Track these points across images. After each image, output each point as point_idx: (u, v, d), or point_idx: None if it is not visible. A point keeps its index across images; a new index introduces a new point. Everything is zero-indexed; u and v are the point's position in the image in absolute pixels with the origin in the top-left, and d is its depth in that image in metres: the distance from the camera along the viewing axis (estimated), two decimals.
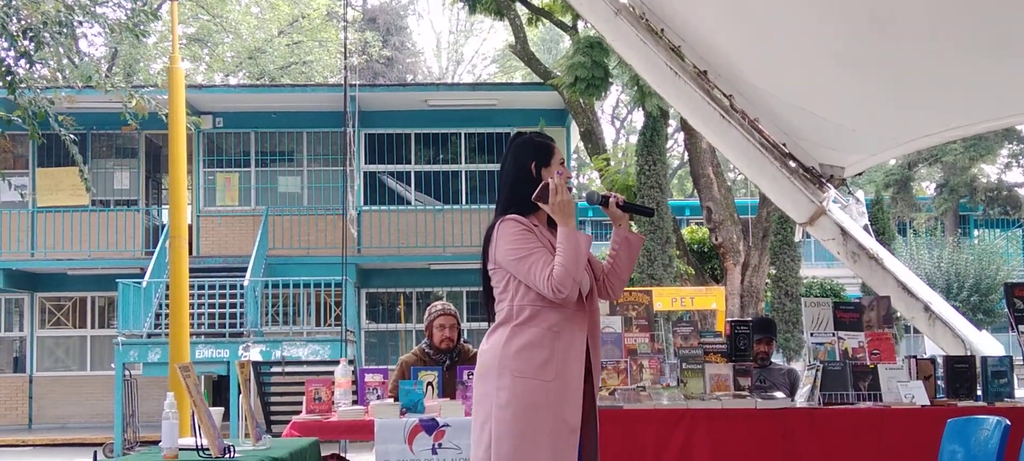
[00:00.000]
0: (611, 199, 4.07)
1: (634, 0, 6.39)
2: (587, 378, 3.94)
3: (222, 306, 19.53)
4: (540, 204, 3.91)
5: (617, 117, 46.01)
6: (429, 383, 5.95)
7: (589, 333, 3.95)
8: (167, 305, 15.69)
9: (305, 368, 18.32)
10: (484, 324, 24.74)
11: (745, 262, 18.30)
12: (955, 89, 5.64)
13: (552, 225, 3.96)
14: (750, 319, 10.23)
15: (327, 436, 5.68)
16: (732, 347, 5.85)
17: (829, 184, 6.73)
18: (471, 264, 22.19)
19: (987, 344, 6.60)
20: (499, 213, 4.00)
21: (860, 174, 7.11)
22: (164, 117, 13.87)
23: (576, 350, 3.88)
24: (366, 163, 22.95)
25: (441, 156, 23.34)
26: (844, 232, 6.71)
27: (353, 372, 6.13)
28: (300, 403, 6.22)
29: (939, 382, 5.73)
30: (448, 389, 6.17)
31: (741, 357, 5.83)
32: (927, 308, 6.74)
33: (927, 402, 5.48)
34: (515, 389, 3.79)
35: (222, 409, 4.99)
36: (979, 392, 5.65)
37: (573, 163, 30.58)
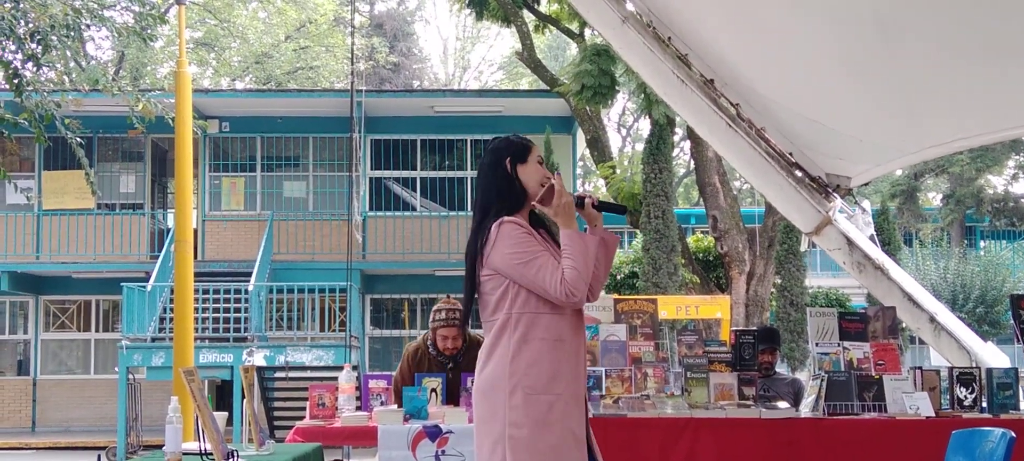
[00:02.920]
0: (586, 200, 3.97)
1: (641, 8, 6.38)
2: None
3: (226, 311, 19.54)
4: (541, 207, 3.85)
5: (623, 125, 46.03)
6: (433, 389, 5.94)
7: (582, 332, 3.91)
8: (172, 309, 15.71)
9: (309, 373, 18.31)
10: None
11: (750, 271, 18.27)
12: (962, 100, 5.63)
13: (535, 226, 3.89)
14: (755, 329, 10.22)
15: (331, 442, 5.68)
16: (737, 356, 5.84)
17: (835, 194, 6.72)
18: None
19: (992, 355, 6.58)
20: (478, 217, 3.90)
21: (866, 184, 7.10)
22: (170, 121, 13.89)
23: (580, 358, 3.82)
24: (372, 169, 22.96)
25: (447, 162, 23.35)
26: (850, 242, 6.70)
27: (357, 378, 6.11)
28: (304, 408, 6.22)
29: (944, 394, 5.72)
30: (452, 395, 6.15)
31: (746, 367, 5.82)
32: (933, 319, 6.72)
33: (932, 413, 5.46)
34: (528, 406, 3.69)
35: (226, 414, 4.99)
36: (984, 404, 5.64)
37: (579, 170, 30.59)
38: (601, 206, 4.03)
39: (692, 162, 20.01)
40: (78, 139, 12.03)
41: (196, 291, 16.64)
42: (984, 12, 4.71)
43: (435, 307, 6.52)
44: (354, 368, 6.74)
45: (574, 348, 3.80)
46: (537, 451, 3.67)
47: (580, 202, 3.96)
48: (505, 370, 3.75)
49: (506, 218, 3.80)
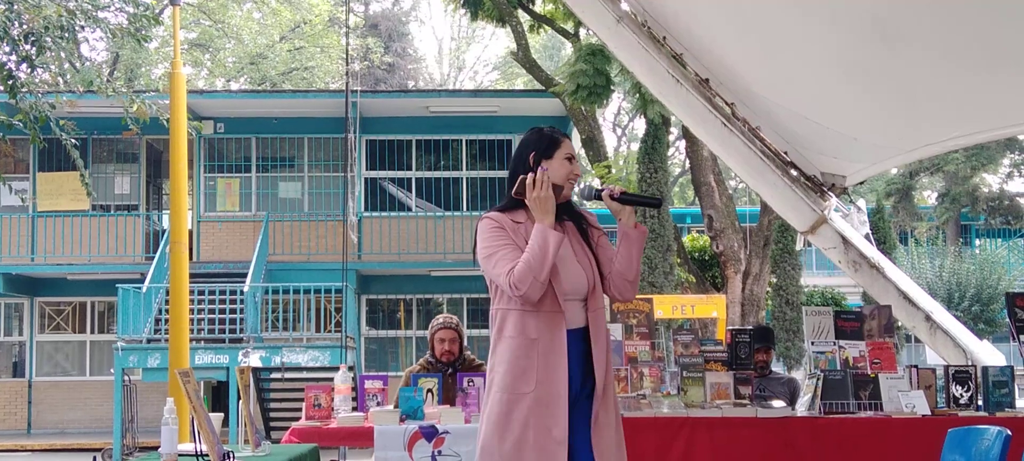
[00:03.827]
0: (605, 191, 3.83)
1: (636, 7, 6.38)
2: (590, 382, 3.76)
3: (222, 312, 19.52)
4: (522, 199, 3.77)
5: (619, 124, 46.03)
6: (429, 390, 5.94)
7: (592, 334, 3.77)
8: (167, 310, 15.68)
9: (305, 374, 18.30)
10: (485, 331, 24.60)
11: (746, 270, 18.28)
12: (957, 99, 5.64)
13: (561, 218, 3.82)
14: (751, 328, 10.24)
15: (327, 443, 5.67)
16: (733, 356, 5.84)
17: (830, 193, 6.72)
18: (472, 270, 22.17)
19: (988, 354, 6.59)
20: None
21: (862, 183, 7.10)
22: (165, 122, 13.87)
23: (558, 356, 3.67)
24: (367, 169, 22.94)
25: (442, 163, 23.34)
26: (845, 241, 6.70)
27: (353, 378, 6.12)
28: (300, 409, 6.21)
29: (940, 392, 5.72)
30: (448, 396, 6.15)
31: (742, 366, 5.82)
32: (928, 317, 6.73)
33: (928, 412, 5.47)
34: (495, 402, 3.68)
35: (222, 415, 4.98)
36: (980, 402, 5.64)
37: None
38: (625, 199, 3.84)
39: (687, 161, 20.04)
40: (73, 140, 12.01)
41: (191, 292, 16.63)
42: (979, 13, 4.72)
43: (434, 318, 6.76)
44: (350, 369, 6.77)
45: (551, 347, 3.68)
46: (494, 449, 3.66)
47: (598, 195, 3.87)
48: (488, 365, 3.80)
49: (486, 214, 3.82)
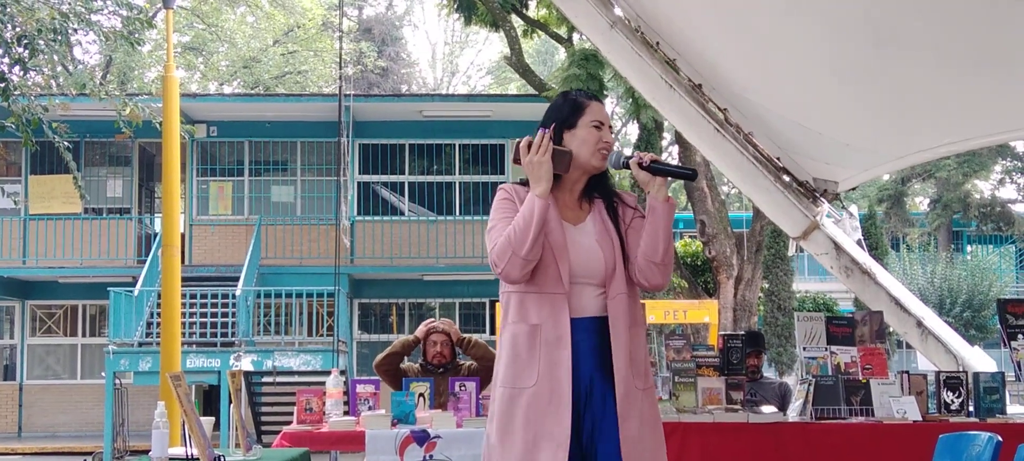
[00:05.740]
0: (634, 159, 3.37)
1: (629, 13, 6.39)
2: (608, 380, 3.32)
3: (214, 315, 19.48)
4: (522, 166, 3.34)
5: (611, 129, 46.06)
6: (421, 394, 5.93)
7: (611, 326, 3.31)
8: (159, 314, 15.67)
9: (296, 378, 18.26)
10: (478, 335, 24.60)
11: (738, 276, 18.30)
12: (950, 105, 5.65)
13: (591, 194, 3.47)
14: (743, 333, 10.25)
15: (318, 447, 5.66)
16: (725, 361, 5.84)
17: (823, 198, 6.73)
18: (465, 275, 22.17)
19: (979, 360, 6.60)
20: None
21: (854, 189, 7.13)
22: (158, 125, 13.85)
23: (562, 347, 3.26)
24: (360, 173, 22.92)
25: (435, 167, 23.33)
26: (837, 247, 6.71)
27: (345, 383, 6.10)
28: (291, 413, 6.21)
29: (931, 398, 5.73)
30: (440, 400, 6.15)
31: (734, 371, 5.82)
32: (920, 323, 6.74)
33: (919, 417, 5.47)
34: (497, 398, 3.34)
35: (213, 419, 4.96)
36: (971, 408, 5.65)
37: None
38: (655, 168, 3.37)
39: None
40: (65, 143, 12.00)
41: (183, 296, 16.59)
42: (974, 19, 4.73)
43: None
44: (342, 373, 6.75)
45: (555, 335, 3.27)
46: (493, 448, 3.33)
47: (627, 164, 3.40)
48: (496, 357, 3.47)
49: (503, 185, 3.44)
